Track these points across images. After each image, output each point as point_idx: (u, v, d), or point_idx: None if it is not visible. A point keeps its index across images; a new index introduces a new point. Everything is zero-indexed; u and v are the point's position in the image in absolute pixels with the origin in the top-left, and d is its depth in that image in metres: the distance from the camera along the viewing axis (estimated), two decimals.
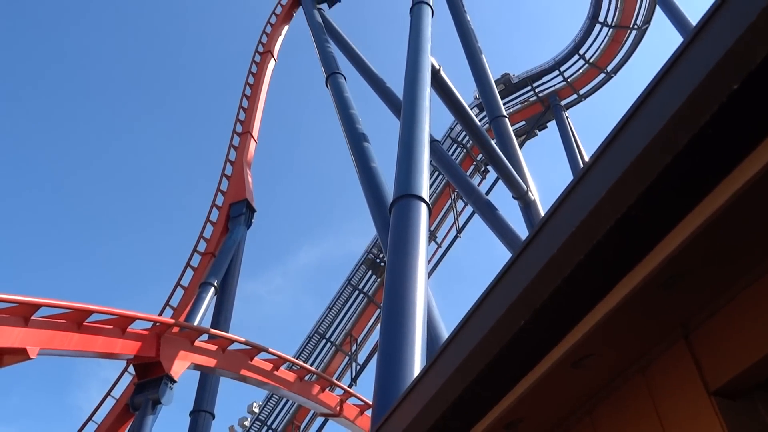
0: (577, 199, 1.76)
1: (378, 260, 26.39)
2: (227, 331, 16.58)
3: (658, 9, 23.19)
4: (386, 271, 7.64)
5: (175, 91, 60.41)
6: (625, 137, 1.64)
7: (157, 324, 12.91)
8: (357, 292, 26.49)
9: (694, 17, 20.45)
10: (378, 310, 25.60)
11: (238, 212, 20.73)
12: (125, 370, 17.63)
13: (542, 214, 15.01)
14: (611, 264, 1.77)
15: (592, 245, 1.69)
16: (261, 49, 25.56)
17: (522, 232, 14.68)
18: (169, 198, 60.93)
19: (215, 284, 17.92)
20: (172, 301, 19.17)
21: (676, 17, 20.68)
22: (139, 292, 59.42)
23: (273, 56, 25.43)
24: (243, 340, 14.14)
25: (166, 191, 61.14)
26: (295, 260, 65.14)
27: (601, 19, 26.34)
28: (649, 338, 1.99)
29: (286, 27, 26.26)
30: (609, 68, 27.23)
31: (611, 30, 26.35)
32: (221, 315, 18.09)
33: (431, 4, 15.11)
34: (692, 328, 1.93)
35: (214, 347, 13.72)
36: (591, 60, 27.33)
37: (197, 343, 13.44)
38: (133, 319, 12.21)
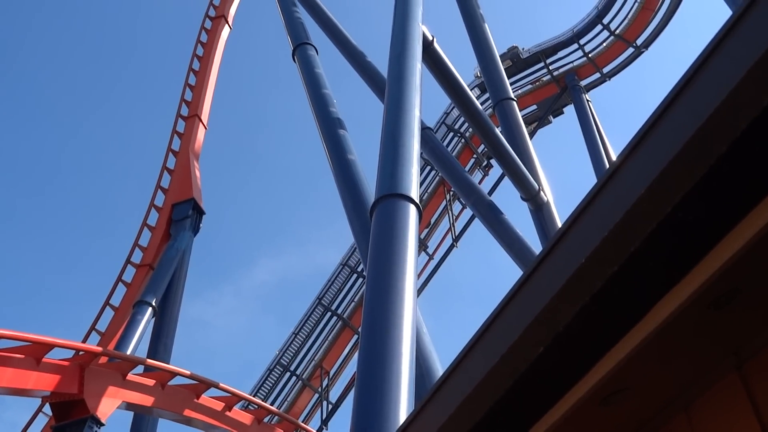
0: (610, 198, 1.77)
1: (356, 274, 26.39)
2: (168, 362, 16.46)
3: None
4: (366, 287, 7.63)
5: (102, 62, 60.00)
6: (672, 118, 1.65)
7: (81, 353, 12.78)
8: (329, 313, 26.48)
9: None
10: (355, 336, 25.59)
11: (182, 215, 20.64)
12: (39, 409, 17.43)
13: (557, 218, 15.24)
14: (651, 278, 1.77)
15: (627, 255, 1.69)
16: (213, 12, 25.50)
17: (533, 240, 14.77)
18: (96, 196, 60.49)
19: (153, 304, 17.82)
20: (99, 325, 19.02)
21: None
22: (58, 313, 58.83)
23: (227, 22, 25.38)
24: (188, 373, 14.04)
25: (91, 187, 60.67)
26: (250, 276, 64.98)
27: None
28: (695, 369, 2.00)
29: None
30: (638, 41, 27.52)
31: None
32: (161, 342, 17.98)
33: None
34: (746, 358, 1.94)
35: (151, 382, 13.61)
36: (617, 31, 27.60)
37: (130, 376, 13.32)
38: (50, 346, 12.07)
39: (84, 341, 17.62)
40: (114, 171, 61.16)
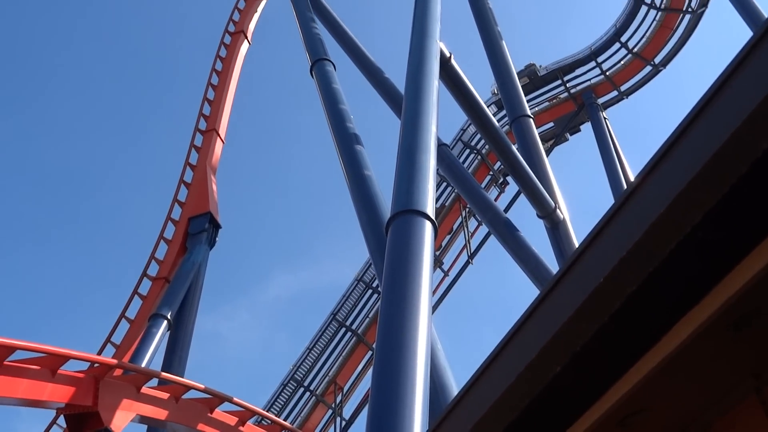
0: (629, 217, 1.76)
1: (371, 290, 26.36)
2: (182, 376, 16.48)
3: None
4: (381, 303, 7.62)
5: (123, 75, 60.64)
6: (693, 136, 1.64)
7: (96, 365, 12.82)
8: (343, 329, 26.43)
9: None
10: (369, 352, 25.53)
11: (199, 228, 20.73)
12: (54, 421, 17.47)
13: (573, 236, 15.17)
14: (670, 298, 1.76)
15: (647, 274, 1.68)
16: (232, 28, 25.71)
17: (549, 258, 14.71)
18: (114, 209, 60.93)
19: (168, 317, 17.86)
20: (114, 337, 19.09)
21: None
22: (74, 325, 59.14)
23: (246, 38, 25.59)
24: (202, 387, 14.05)
25: (109, 200, 61.14)
26: (265, 291, 65.05)
27: None
28: (714, 391, 1.98)
29: (264, 2, 26.50)
30: (656, 60, 27.49)
31: (660, 13, 26.63)
32: (175, 355, 18.00)
33: None
34: (766, 380, 1.92)
35: (165, 395, 13.62)
36: (635, 49, 27.58)
37: (144, 389, 13.34)
38: (65, 358, 12.11)
39: (99, 353, 17.68)
40: (131, 184, 61.62)
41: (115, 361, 13.96)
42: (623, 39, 27.71)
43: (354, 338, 26.24)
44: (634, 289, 1.71)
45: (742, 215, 1.62)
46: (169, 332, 18.04)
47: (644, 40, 27.36)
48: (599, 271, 1.80)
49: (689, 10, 25.98)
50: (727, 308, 1.72)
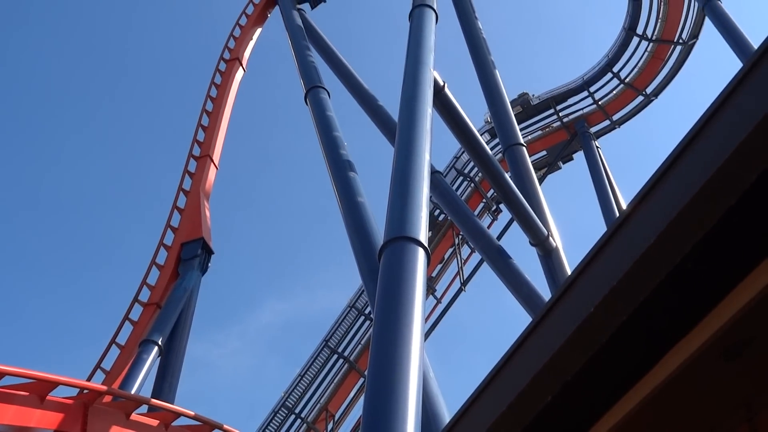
0: (620, 247, 1.77)
1: (363, 317, 26.27)
2: (173, 402, 16.33)
3: (707, 21, 23.74)
4: (373, 330, 7.60)
5: (117, 100, 60.76)
6: (682, 168, 1.66)
7: (85, 391, 12.70)
8: (335, 356, 26.29)
9: (748, 31, 20.93)
10: (361, 379, 25.38)
11: (191, 254, 20.65)
12: None
13: (566, 263, 15.18)
14: (661, 327, 1.76)
15: (637, 304, 1.69)
16: (227, 55, 25.83)
17: (541, 285, 14.70)
18: (106, 233, 60.73)
19: (159, 343, 17.72)
20: (104, 363, 18.92)
21: (729, 31, 21.15)
22: (63, 350, 58.66)
23: (242, 65, 25.70)
24: (192, 413, 13.93)
25: (101, 225, 60.94)
26: (257, 318, 64.61)
27: (639, 31, 26.92)
28: (705, 421, 1.97)
29: (259, 30, 26.64)
30: (648, 90, 27.74)
31: (651, 44, 26.92)
32: (166, 382, 17.84)
33: (435, 7, 15.40)
34: (757, 410, 1.92)
35: (155, 422, 13.49)
36: (627, 80, 27.84)
37: (134, 416, 13.21)
38: (54, 384, 12.00)
39: (89, 379, 17.52)
40: (124, 209, 61.48)
41: (104, 387, 13.83)
42: (615, 69, 27.95)
43: (346, 365, 26.09)
44: (625, 319, 1.72)
45: (732, 245, 1.63)
46: (159, 358, 17.90)
47: (636, 70, 27.61)
48: (590, 300, 1.80)
49: (680, 41, 26.26)
50: (718, 337, 1.73)
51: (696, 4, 24.35)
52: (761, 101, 1.52)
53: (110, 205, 60.08)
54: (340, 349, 26.34)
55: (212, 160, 23.29)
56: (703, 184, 1.57)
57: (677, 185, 1.66)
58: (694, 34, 25.85)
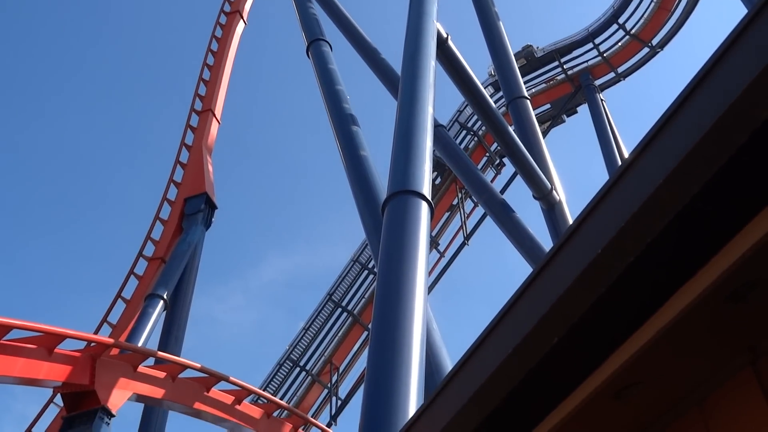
0: (628, 188, 1.76)
1: (367, 270, 26.40)
2: (179, 355, 16.51)
3: None
4: (377, 284, 7.62)
5: (117, 55, 60.26)
6: (693, 107, 1.64)
7: (93, 344, 12.84)
8: (339, 309, 26.49)
9: None
10: (365, 332, 25.60)
11: (194, 209, 20.69)
12: (50, 400, 17.52)
13: (569, 217, 15.17)
14: (667, 269, 1.76)
15: (644, 245, 1.68)
16: (228, 8, 25.54)
17: (544, 239, 14.73)
18: (109, 189, 60.79)
19: (165, 297, 17.87)
20: (111, 317, 19.12)
21: None
22: (71, 304, 59.20)
23: (242, 17, 25.42)
24: (198, 366, 14.08)
25: (104, 180, 60.97)
26: (260, 273, 65.08)
27: None
28: (709, 364, 1.99)
29: None
30: (654, 41, 27.38)
31: None
32: (171, 335, 18.04)
33: None
34: (762, 353, 1.93)
35: (162, 374, 13.65)
36: (632, 31, 27.46)
37: (141, 368, 13.36)
38: (62, 337, 12.13)
39: (96, 333, 17.70)
40: (127, 164, 61.45)
41: (111, 340, 13.97)
42: (621, 20, 27.58)
43: (350, 318, 26.31)
44: (632, 260, 1.71)
45: (740, 186, 1.62)
46: (165, 312, 18.06)
47: (642, 21, 27.22)
48: (598, 242, 1.80)
49: None
50: (724, 279, 1.73)
51: None
52: None
53: (114, 159, 60.04)
54: (344, 303, 26.53)
55: (214, 115, 23.19)
56: (714, 123, 1.55)
57: (687, 124, 1.64)
58: None
